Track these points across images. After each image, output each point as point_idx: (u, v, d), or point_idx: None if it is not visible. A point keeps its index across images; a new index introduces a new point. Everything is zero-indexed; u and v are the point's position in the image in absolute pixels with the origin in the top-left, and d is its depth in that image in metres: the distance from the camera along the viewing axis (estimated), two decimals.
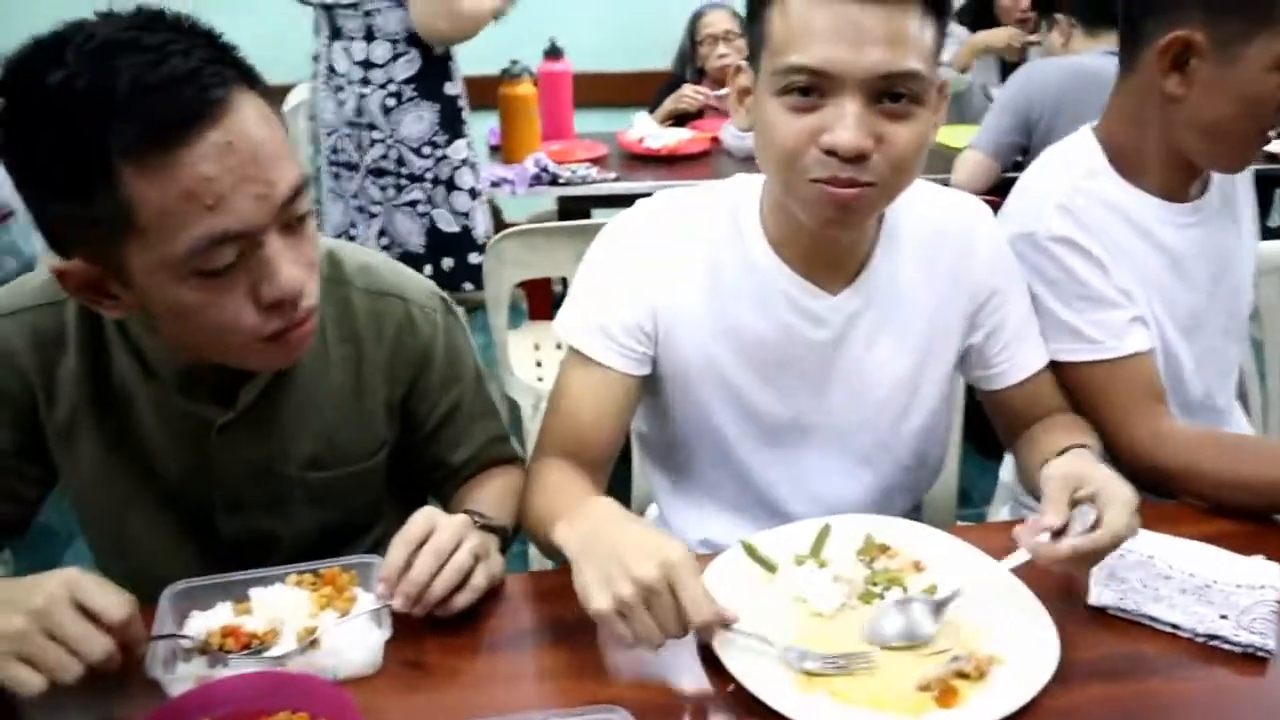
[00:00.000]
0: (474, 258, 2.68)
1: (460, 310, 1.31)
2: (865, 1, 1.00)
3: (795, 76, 1.03)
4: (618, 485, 1.52)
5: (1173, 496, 1.25)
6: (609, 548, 0.93)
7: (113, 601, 0.90)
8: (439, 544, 1.01)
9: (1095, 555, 0.97)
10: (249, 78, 0.95)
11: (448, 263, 2.69)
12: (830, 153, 1.03)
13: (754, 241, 1.19)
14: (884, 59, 1.01)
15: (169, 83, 0.87)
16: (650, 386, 1.28)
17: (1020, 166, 2.78)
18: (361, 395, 1.20)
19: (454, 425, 1.27)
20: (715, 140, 3.30)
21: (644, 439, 1.39)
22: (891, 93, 1.02)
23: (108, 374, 1.11)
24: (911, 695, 0.91)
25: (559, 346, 2.75)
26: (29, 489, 1.16)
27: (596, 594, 0.91)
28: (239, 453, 1.15)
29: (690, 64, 3.70)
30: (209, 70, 0.89)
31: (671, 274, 1.21)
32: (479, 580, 1.04)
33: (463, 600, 1.02)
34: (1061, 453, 1.11)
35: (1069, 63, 2.75)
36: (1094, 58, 2.71)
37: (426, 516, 1.04)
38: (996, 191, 2.78)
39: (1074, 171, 1.34)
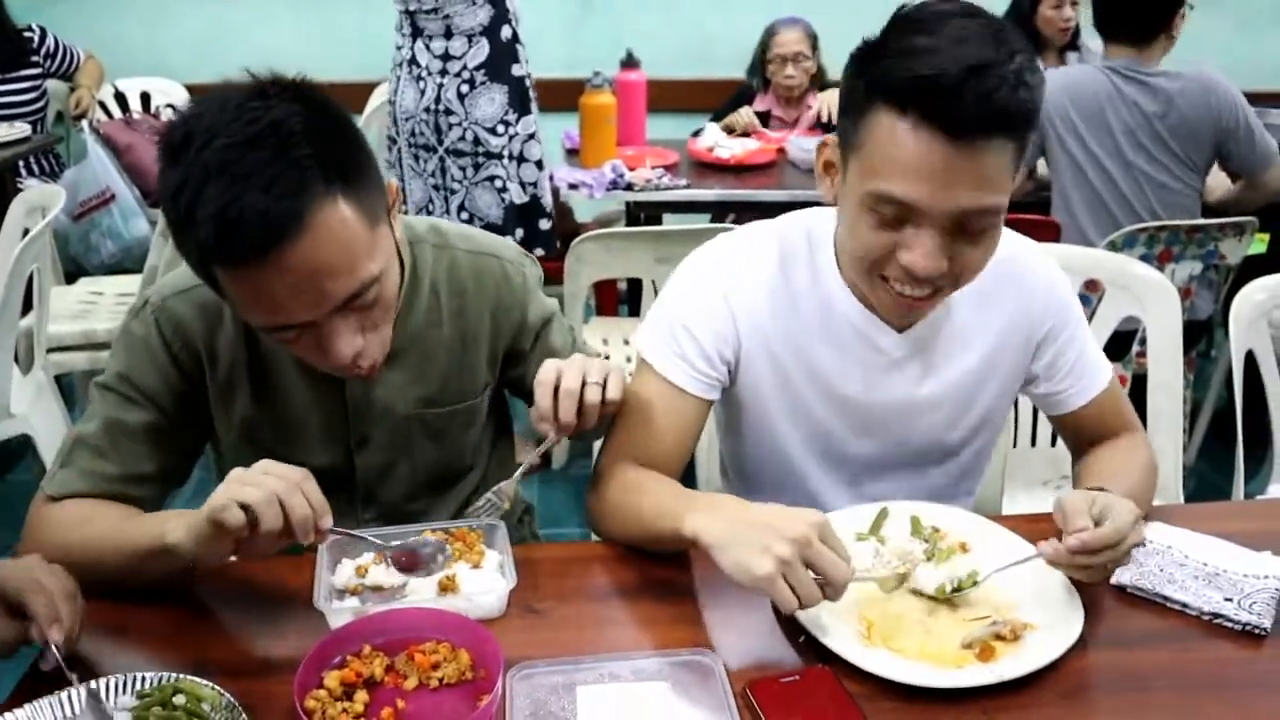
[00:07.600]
0: (544, 224, 2.91)
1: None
2: (958, 142, 1.04)
3: (881, 201, 1.10)
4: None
5: None
6: (755, 524, 1.04)
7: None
8: (569, 385, 1.19)
9: (1098, 551, 1.08)
10: (344, 177, 1.08)
11: (522, 232, 2.88)
12: (907, 269, 1.13)
13: (830, 279, 1.30)
14: (969, 200, 1.07)
15: (238, 222, 1.01)
16: (725, 405, 1.42)
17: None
18: (467, 344, 1.39)
19: (552, 350, 1.43)
20: (781, 151, 3.44)
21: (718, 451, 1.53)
22: (971, 225, 1.11)
23: (259, 338, 1.30)
24: (956, 652, 1.08)
25: (626, 342, 2.95)
26: (192, 444, 1.36)
27: (757, 562, 1.00)
28: (368, 397, 1.34)
29: (759, 75, 3.81)
30: (285, 204, 1.02)
31: (753, 307, 1.31)
32: (613, 393, 1.21)
33: (611, 401, 1.21)
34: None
35: (1057, 74, 2.85)
36: (1080, 69, 2.81)
37: (551, 365, 1.22)
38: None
39: None
